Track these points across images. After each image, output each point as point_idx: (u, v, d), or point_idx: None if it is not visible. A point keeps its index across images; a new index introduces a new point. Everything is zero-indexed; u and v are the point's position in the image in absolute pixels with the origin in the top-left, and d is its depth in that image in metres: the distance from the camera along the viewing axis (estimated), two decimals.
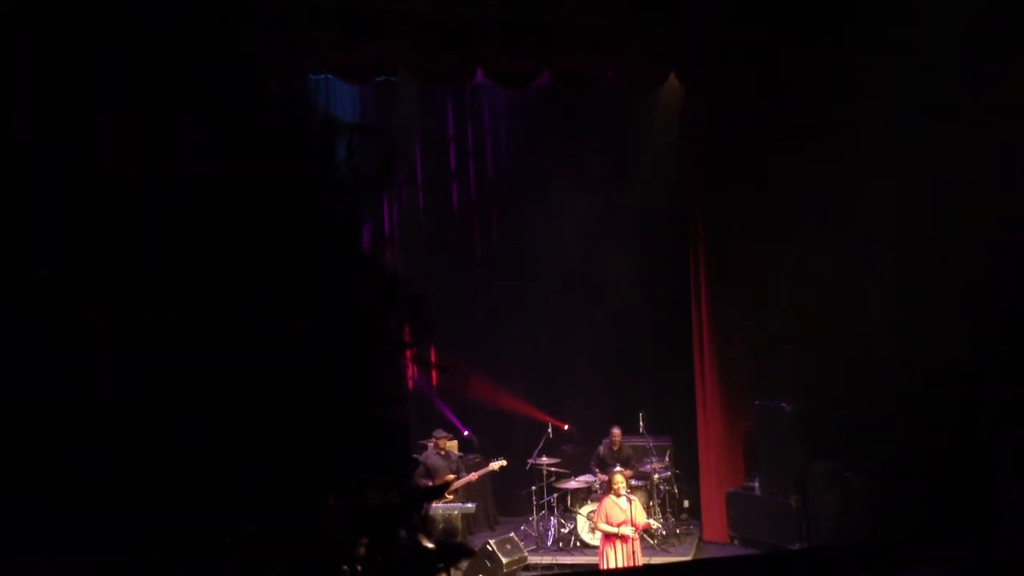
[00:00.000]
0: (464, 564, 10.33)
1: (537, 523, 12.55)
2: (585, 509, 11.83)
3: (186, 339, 0.83)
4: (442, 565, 0.98)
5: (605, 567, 9.69)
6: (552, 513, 12.39)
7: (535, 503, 12.57)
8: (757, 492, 12.08)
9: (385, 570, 0.93)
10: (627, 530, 9.62)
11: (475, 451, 13.07)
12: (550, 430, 12.97)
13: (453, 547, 0.99)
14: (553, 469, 12.55)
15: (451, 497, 11.25)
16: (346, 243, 0.95)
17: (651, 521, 10.49)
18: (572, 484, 12.27)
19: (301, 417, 0.88)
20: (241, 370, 0.86)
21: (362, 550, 0.93)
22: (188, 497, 0.83)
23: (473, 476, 11.66)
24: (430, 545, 0.96)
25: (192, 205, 0.84)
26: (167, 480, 0.82)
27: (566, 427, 13.43)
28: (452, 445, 12.25)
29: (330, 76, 10.96)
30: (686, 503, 13.07)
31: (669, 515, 12.55)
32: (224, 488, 0.85)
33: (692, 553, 11.92)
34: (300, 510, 0.90)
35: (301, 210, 0.90)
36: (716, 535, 12.45)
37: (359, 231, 0.97)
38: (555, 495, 12.37)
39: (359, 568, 0.93)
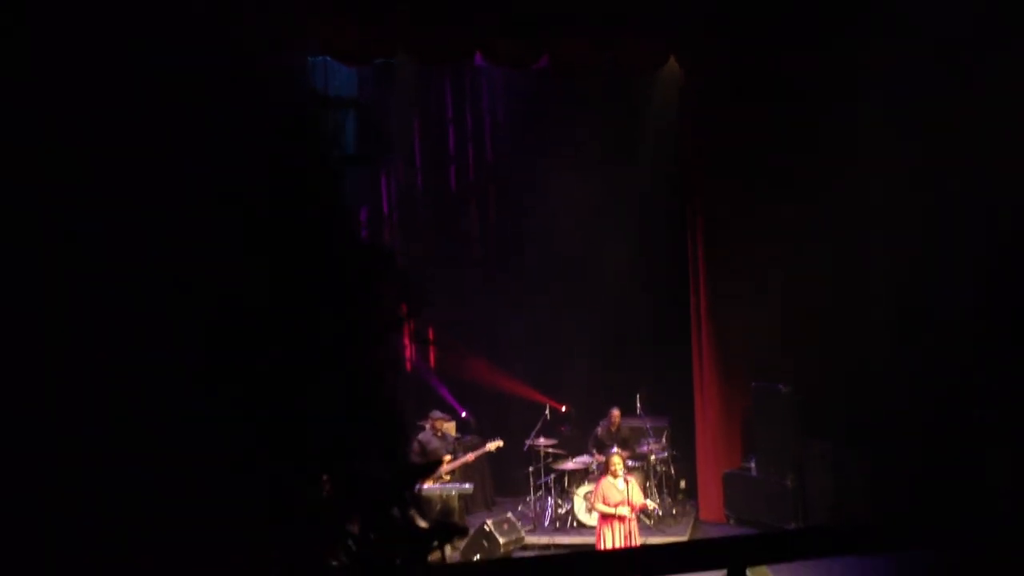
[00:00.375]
0: (461, 543, 10.37)
1: (534, 503, 12.58)
2: (582, 490, 11.85)
3: (185, 330, 0.84)
4: (436, 543, 0.99)
5: (602, 547, 9.72)
6: (549, 494, 12.41)
7: (532, 484, 12.59)
8: (754, 473, 12.12)
9: (378, 547, 0.95)
10: (624, 510, 9.64)
11: (472, 432, 13.09)
12: (548, 411, 12.98)
13: (446, 526, 1.01)
14: (551, 450, 12.58)
15: (448, 478, 11.28)
16: (340, 225, 0.96)
17: (648, 501, 10.49)
18: (569, 465, 12.29)
19: (295, 397, 0.89)
20: (237, 353, 0.87)
21: (356, 528, 0.94)
22: (185, 486, 0.84)
23: (470, 457, 11.67)
24: (423, 524, 0.98)
25: (189, 201, 0.85)
26: (164, 470, 0.83)
27: (564, 408, 13.44)
28: (449, 426, 12.25)
29: (328, 58, 10.92)
30: (683, 484, 13.10)
31: (666, 495, 12.59)
32: (221, 469, 0.86)
33: (688, 533, 11.96)
34: (295, 487, 0.91)
35: (298, 206, 0.91)
36: (712, 515, 12.51)
37: (354, 213, 0.98)
38: (552, 476, 12.40)
39: (353, 546, 0.94)
